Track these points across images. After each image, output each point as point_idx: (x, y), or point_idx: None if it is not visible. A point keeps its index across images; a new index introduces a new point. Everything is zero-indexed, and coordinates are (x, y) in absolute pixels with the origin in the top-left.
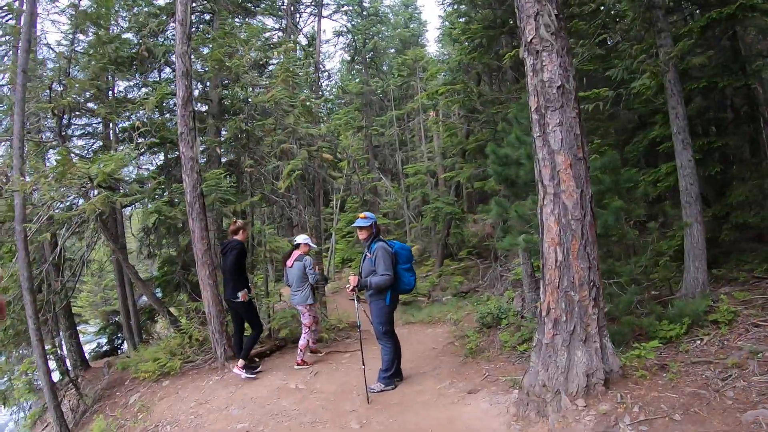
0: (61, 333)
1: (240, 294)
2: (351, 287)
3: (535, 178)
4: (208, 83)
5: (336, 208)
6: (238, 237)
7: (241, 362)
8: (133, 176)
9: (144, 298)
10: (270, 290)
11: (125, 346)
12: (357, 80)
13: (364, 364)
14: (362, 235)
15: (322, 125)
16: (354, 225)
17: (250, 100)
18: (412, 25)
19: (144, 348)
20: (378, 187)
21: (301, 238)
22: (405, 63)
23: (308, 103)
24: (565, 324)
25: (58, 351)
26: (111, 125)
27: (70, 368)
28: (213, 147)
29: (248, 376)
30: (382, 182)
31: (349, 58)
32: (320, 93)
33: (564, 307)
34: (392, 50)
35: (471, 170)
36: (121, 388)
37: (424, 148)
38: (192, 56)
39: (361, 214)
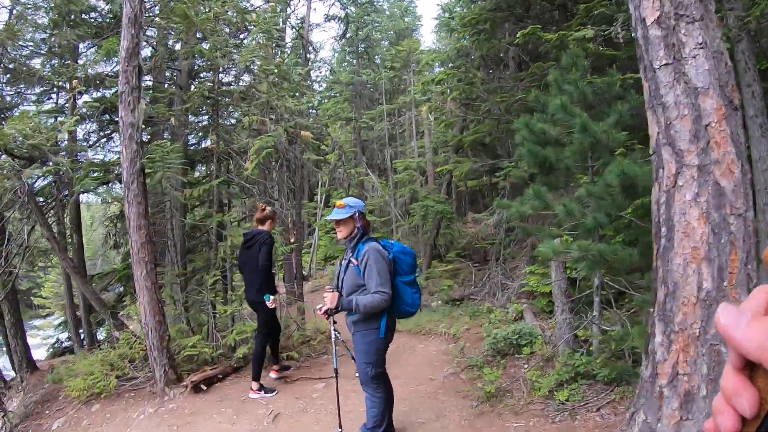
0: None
1: (271, 298)
2: (325, 308)
3: (652, 145)
4: (177, 48)
5: (320, 202)
6: (265, 227)
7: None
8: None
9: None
10: (229, 295)
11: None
12: (348, 71)
13: (341, 428)
14: (341, 233)
15: (304, 99)
16: (329, 218)
17: (219, 60)
18: (407, 19)
19: (83, 356)
20: (365, 182)
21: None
22: (398, 54)
23: (284, 68)
24: (705, 402)
25: None
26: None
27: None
28: (170, 120)
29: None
30: (370, 177)
31: (340, 42)
32: (308, 69)
33: (706, 372)
34: (386, 42)
35: (469, 165)
36: (53, 404)
37: (415, 144)
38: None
39: (339, 202)
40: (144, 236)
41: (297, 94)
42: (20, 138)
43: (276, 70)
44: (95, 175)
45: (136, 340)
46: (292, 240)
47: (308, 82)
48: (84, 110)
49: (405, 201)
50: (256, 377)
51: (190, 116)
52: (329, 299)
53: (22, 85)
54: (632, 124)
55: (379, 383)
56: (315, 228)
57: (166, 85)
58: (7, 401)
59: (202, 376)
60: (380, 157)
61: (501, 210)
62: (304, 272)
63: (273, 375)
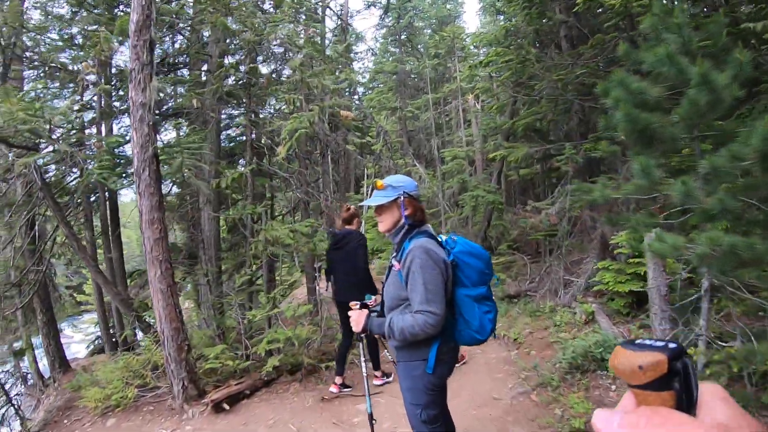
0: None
1: (372, 298)
2: (355, 326)
3: None
4: (207, 35)
5: (366, 195)
6: (353, 226)
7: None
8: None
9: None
10: (262, 297)
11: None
12: (391, 60)
13: None
14: (383, 225)
15: (342, 75)
16: (365, 203)
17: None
18: (449, 5)
19: (106, 362)
20: (412, 173)
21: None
22: (442, 41)
23: (317, 42)
24: None
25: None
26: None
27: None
28: (194, 100)
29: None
30: (417, 168)
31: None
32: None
33: None
34: (428, 30)
35: (525, 150)
36: (72, 413)
37: (463, 132)
38: None
39: (378, 181)
40: (158, 232)
41: (336, 72)
42: (12, 122)
43: (308, 45)
44: (118, 169)
45: (159, 346)
46: None
47: (347, 58)
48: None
49: (453, 192)
50: (341, 372)
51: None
52: (355, 319)
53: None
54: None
55: (436, 427)
56: (362, 221)
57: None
58: (44, 399)
59: (224, 393)
60: (427, 147)
61: (563, 198)
62: None
63: (333, 389)
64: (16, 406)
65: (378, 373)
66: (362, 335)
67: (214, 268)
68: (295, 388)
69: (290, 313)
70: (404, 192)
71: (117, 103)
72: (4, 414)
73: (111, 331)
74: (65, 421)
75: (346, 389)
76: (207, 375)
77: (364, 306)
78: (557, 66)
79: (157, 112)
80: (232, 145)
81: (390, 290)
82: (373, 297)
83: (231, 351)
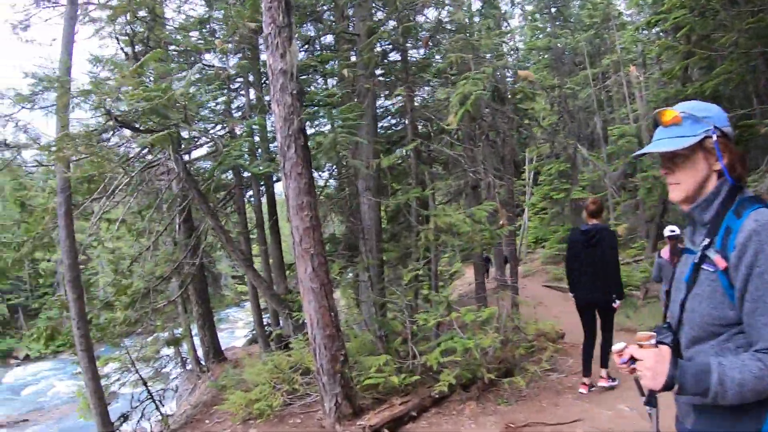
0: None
1: (618, 301)
2: (650, 379)
3: None
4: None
5: (528, 179)
6: (599, 220)
7: (604, 372)
8: None
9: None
10: (434, 296)
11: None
12: (542, 36)
13: None
14: (681, 188)
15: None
16: (647, 149)
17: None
18: None
19: (254, 361)
20: (577, 156)
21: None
22: (595, 8)
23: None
24: None
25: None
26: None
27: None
28: (344, 70)
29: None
30: (580, 150)
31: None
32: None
33: None
34: (577, 2)
35: None
36: (215, 414)
37: (629, 108)
38: None
39: (669, 112)
40: (307, 220)
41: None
42: (135, 102)
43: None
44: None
45: (307, 352)
46: (501, 222)
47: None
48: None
49: (620, 174)
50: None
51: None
52: (650, 366)
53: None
54: None
55: None
56: (525, 208)
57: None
58: (200, 384)
59: (387, 416)
60: (590, 127)
61: None
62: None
63: (582, 390)
64: (157, 402)
65: (604, 373)
66: (656, 395)
67: (375, 260)
68: (471, 409)
69: (470, 318)
70: (714, 128)
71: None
72: (144, 408)
73: (264, 326)
74: (206, 422)
75: (593, 389)
76: (365, 389)
77: (659, 342)
78: (741, 15)
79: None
80: (389, 132)
81: (700, 308)
82: (618, 301)
83: (395, 361)
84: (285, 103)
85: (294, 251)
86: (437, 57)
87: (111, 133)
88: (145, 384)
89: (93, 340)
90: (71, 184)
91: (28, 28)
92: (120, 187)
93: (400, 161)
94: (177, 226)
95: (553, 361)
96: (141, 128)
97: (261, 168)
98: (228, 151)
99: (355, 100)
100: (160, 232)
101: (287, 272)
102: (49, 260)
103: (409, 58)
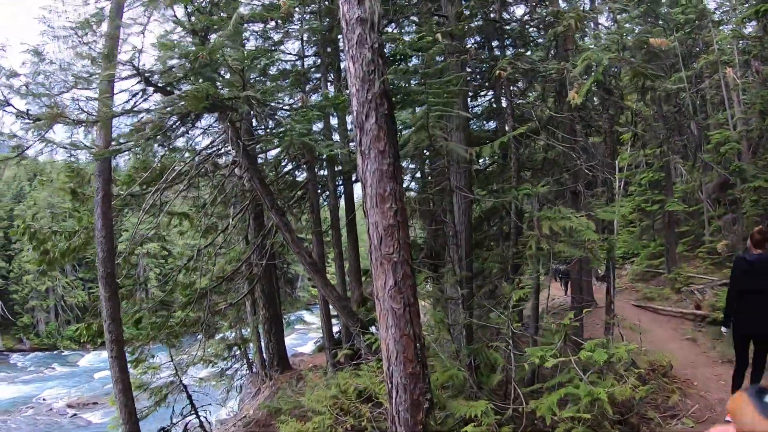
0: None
1: None
2: None
3: None
4: None
5: (618, 188)
6: (763, 250)
7: None
8: None
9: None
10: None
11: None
12: (631, 37)
13: None
14: None
15: None
16: None
17: None
18: None
19: (318, 379)
20: (671, 164)
21: None
22: (690, 4)
23: None
24: None
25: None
26: None
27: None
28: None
29: None
30: (674, 158)
31: None
32: None
33: None
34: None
35: None
36: None
37: (729, 112)
38: None
39: None
40: (391, 215)
41: None
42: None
43: None
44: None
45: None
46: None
47: None
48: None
49: (717, 184)
50: None
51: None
52: None
53: None
54: None
55: None
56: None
57: None
58: (264, 389)
59: None
60: (686, 133)
61: None
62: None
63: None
64: (202, 419)
65: None
66: None
67: (466, 272)
68: None
69: (601, 358)
70: None
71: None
72: (187, 425)
73: (333, 337)
74: None
75: None
76: None
77: None
78: None
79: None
80: (478, 129)
81: None
82: None
83: (494, 407)
84: (363, 59)
85: (371, 257)
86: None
87: (142, 97)
88: (189, 398)
89: (146, 336)
90: (112, 173)
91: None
92: (179, 177)
93: (495, 156)
94: (247, 224)
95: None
96: (175, 91)
97: (335, 150)
98: (291, 124)
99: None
100: (221, 229)
101: (363, 278)
102: (147, 253)
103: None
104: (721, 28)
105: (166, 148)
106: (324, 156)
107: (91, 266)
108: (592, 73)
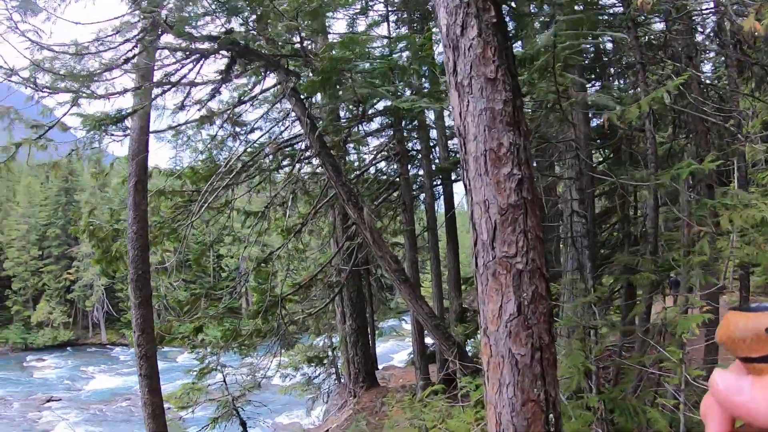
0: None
1: None
2: None
3: None
4: None
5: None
6: None
7: None
8: None
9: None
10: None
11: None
12: None
13: None
14: None
15: None
16: None
17: None
18: None
19: (402, 404)
20: None
21: None
22: None
23: None
24: None
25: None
26: None
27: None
28: None
29: None
30: None
31: None
32: None
33: None
34: None
35: None
36: None
37: None
38: None
39: None
40: (512, 188)
41: None
42: None
43: None
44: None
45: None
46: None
47: None
48: None
49: None
50: None
51: None
52: None
53: None
54: None
55: None
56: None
57: None
58: (351, 401)
59: None
60: None
61: None
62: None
63: None
64: None
65: None
66: None
67: (602, 287)
68: None
69: None
70: None
71: None
72: None
73: (425, 353)
74: None
75: None
76: None
77: None
78: None
79: None
80: None
81: None
82: None
83: None
84: None
85: (475, 261)
86: None
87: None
88: (238, 415)
89: (221, 342)
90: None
91: None
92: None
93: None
94: (333, 226)
95: None
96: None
97: (419, 103)
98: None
99: None
100: (296, 230)
101: (464, 287)
102: (231, 256)
103: None
104: None
105: (227, 131)
106: (414, 147)
107: (190, 267)
108: None
